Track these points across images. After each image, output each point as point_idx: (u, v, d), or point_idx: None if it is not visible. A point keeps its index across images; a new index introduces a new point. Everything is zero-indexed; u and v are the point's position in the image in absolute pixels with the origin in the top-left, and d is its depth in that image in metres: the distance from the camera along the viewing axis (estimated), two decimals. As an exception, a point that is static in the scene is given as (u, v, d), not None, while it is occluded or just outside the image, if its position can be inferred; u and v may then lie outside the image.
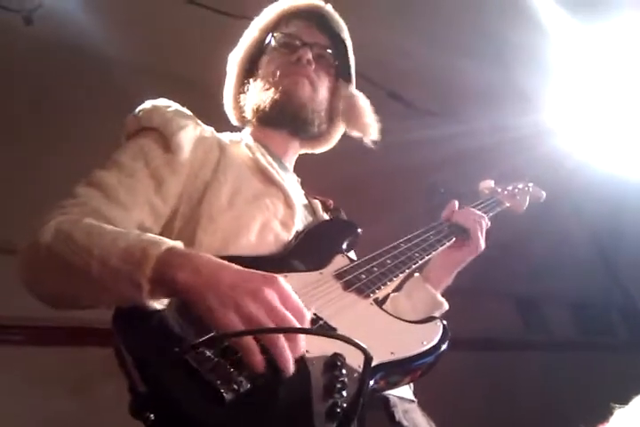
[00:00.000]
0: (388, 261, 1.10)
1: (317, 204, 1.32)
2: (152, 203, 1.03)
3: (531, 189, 1.71)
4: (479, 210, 1.42)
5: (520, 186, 1.69)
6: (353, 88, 1.36)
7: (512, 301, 4.64)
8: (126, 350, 0.73)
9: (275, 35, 1.29)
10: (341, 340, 0.70)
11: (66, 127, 2.44)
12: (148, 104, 1.14)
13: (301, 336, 0.75)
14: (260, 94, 1.25)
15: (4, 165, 2.42)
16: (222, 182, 1.08)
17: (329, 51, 1.30)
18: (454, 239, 1.28)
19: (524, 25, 2.24)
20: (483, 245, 1.33)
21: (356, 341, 0.68)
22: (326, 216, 1.30)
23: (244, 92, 1.30)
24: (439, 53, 2.29)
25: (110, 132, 2.48)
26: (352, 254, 1.21)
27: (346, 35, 1.33)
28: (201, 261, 0.79)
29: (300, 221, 1.17)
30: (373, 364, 0.74)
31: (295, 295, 0.78)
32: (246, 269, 0.80)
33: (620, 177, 2.88)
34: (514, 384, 3.66)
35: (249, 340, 0.71)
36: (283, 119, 1.25)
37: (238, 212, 1.06)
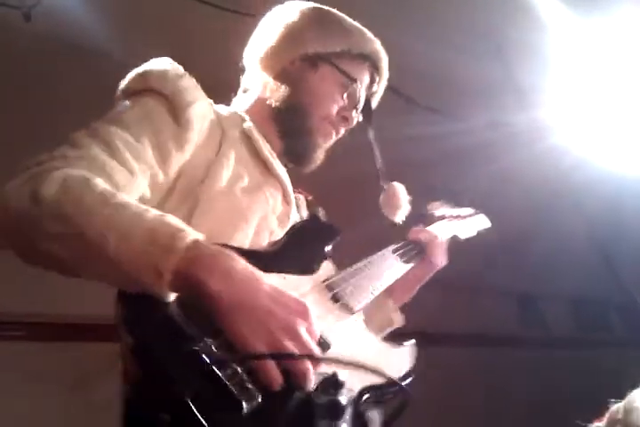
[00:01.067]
0: (369, 276, 1.14)
1: (302, 199, 1.31)
2: (155, 174, 0.95)
3: (478, 219, 1.72)
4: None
5: (467, 213, 1.70)
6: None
7: (511, 297, 4.65)
8: (142, 348, 0.69)
9: (355, 79, 1.22)
10: (379, 375, 0.72)
11: (64, 126, 2.45)
12: (157, 65, 1.05)
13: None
14: (289, 110, 1.20)
15: None
16: (224, 165, 1.03)
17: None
18: (419, 257, 1.35)
19: (522, 20, 2.23)
20: (440, 261, 1.38)
21: (395, 379, 0.75)
22: (304, 212, 1.29)
23: (288, 73, 1.21)
24: (436, 49, 2.28)
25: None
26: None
27: (382, 86, 1.34)
28: (232, 266, 0.76)
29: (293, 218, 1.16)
30: (364, 385, 0.83)
31: (317, 325, 0.78)
32: (279, 289, 0.77)
33: (620, 174, 2.89)
34: (511, 380, 3.67)
35: (272, 365, 0.70)
36: (291, 144, 1.21)
37: (237, 200, 1.02)
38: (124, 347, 0.72)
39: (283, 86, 1.19)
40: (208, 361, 0.67)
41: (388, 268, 1.24)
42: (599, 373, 3.19)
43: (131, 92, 1.04)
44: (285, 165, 1.20)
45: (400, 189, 1.33)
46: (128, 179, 0.89)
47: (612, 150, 2.78)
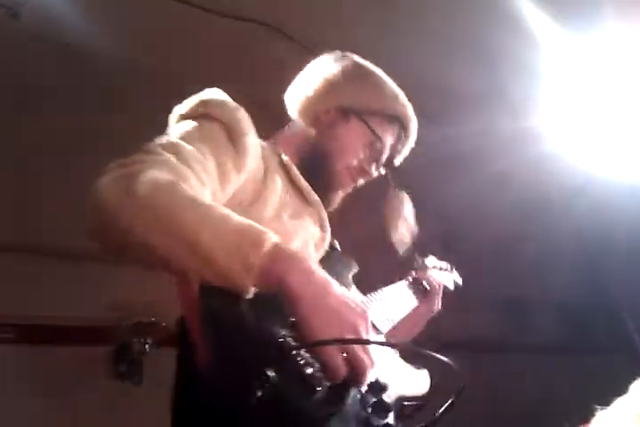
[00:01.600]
0: (392, 303, 1.29)
1: None
2: (216, 189, 0.98)
3: (455, 274, 1.88)
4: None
5: (448, 267, 1.85)
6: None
7: (499, 304, 4.68)
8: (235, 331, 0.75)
9: (381, 138, 1.33)
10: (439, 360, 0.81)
11: (52, 124, 2.44)
12: (216, 95, 1.12)
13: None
14: (315, 152, 1.30)
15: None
16: (271, 192, 1.10)
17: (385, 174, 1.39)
18: (423, 297, 1.50)
19: (513, 32, 2.27)
20: (439, 305, 1.53)
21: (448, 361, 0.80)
22: None
23: (320, 122, 1.32)
24: (428, 58, 2.32)
25: (95, 128, 2.47)
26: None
27: (408, 146, 1.43)
28: (309, 268, 0.82)
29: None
30: (401, 394, 0.97)
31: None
32: (345, 292, 0.85)
33: (609, 180, 2.93)
34: (497, 386, 3.69)
35: (340, 359, 0.77)
36: (310, 184, 1.27)
37: (284, 225, 1.08)
38: (202, 334, 0.77)
39: (314, 130, 1.31)
40: (288, 347, 0.75)
41: (405, 299, 1.40)
42: (586, 379, 3.22)
43: (189, 117, 1.09)
44: None
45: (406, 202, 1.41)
46: (201, 190, 0.92)
47: (601, 157, 2.82)
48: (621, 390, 0.64)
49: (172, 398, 0.96)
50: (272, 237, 0.80)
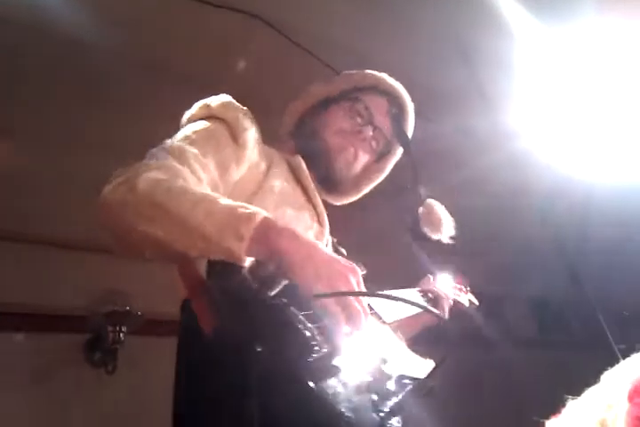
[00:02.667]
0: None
1: (330, 240, 1.42)
2: (217, 185, 1.09)
3: (470, 295, 1.98)
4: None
5: (464, 288, 1.96)
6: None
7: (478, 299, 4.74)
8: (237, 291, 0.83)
9: (360, 98, 1.43)
10: (427, 310, 0.96)
11: (41, 115, 2.40)
12: (221, 97, 1.23)
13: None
14: (307, 137, 1.41)
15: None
16: (273, 186, 1.19)
17: (386, 141, 1.47)
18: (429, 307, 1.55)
19: (489, 27, 2.28)
20: (445, 315, 1.61)
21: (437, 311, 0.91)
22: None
23: (304, 121, 1.46)
24: (402, 54, 2.33)
25: (83, 119, 2.42)
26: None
27: (410, 124, 1.52)
28: (299, 234, 0.90)
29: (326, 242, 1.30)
30: (404, 372, 0.97)
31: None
32: (332, 253, 0.92)
33: (586, 177, 2.97)
34: (471, 378, 3.74)
35: (337, 308, 0.83)
36: (316, 169, 1.38)
37: (285, 213, 1.17)
38: (214, 300, 0.87)
39: (302, 127, 1.45)
40: (282, 304, 0.81)
41: (415, 300, 1.40)
42: (559, 373, 3.28)
43: (196, 119, 1.22)
44: (320, 196, 1.38)
45: (437, 205, 1.43)
46: (197, 183, 1.03)
47: (577, 155, 2.86)
48: (594, 384, 0.65)
49: (176, 364, 1.02)
50: (262, 213, 0.89)
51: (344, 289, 0.85)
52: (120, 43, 2.17)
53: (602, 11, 2.16)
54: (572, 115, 2.68)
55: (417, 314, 1.45)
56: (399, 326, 1.39)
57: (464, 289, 1.93)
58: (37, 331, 2.67)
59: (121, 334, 2.83)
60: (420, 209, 1.41)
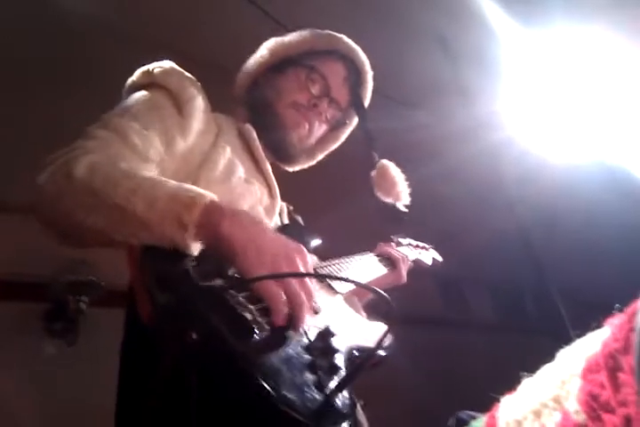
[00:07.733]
0: (353, 268, 1.30)
1: (284, 208, 1.39)
2: (162, 159, 1.04)
3: (433, 252, 1.90)
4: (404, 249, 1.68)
5: (425, 246, 1.89)
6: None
7: (436, 283, 4.83)
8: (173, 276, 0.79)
9: (316, 67, 1.33)
10: (372, 291, 0.84)
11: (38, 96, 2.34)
12: (164, 63, 1.15)
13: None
14: (258, 107, 1.33)
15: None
16: (220, 155, 1.12)
17: (342, 112, 1.40)
18: (388, 269, 1.50)
19: (469, 21, 2.32)
20: (404, 278, 1.54)
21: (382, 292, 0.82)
22: (286, 219, 1.37)
23: (258, 84, 1.36)
24: (387, 48, 2.33)
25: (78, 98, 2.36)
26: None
27: (368, 89, 1.44)
28: (243, 215, 0.88)
29: (277, 214, 1.25)
30: (353, 344, 0.93)
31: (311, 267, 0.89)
32: (278, 233, 0.90)
33: (557, 166, 3.03)
34: (431, 359, 3.82)
35: (278, 290, 0.79)
36: (267, 139, 1.31)
37: (232, 187, 1.10)
38: (147, 287, 0.80)
39: (255, 93, 1.35)
40: (219, 289, 0.78)
41: (370, 266, 1.41)
42: (516, 355, 3.37)
43: (137, 87, 1.14)
44: (271, 164, 1.30)
45: (391, 167, 1.38)
46: (142, 165, 0.98)
47: (550, 145, 2.91)
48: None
49: (120, 350, 1.00)
50: (206, 197, 0.85)
51: (287, 271, 0.82)
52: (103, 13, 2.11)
53: (571, 17, 2.21)
54: (549, 106, 2.73)
55: (375, 278, 1.41)
56: (355, 292, 1.34)
57: (426, 247, 1.88)
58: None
59: (81, 304, 2.78)
60: (373, 172, 1.36)
